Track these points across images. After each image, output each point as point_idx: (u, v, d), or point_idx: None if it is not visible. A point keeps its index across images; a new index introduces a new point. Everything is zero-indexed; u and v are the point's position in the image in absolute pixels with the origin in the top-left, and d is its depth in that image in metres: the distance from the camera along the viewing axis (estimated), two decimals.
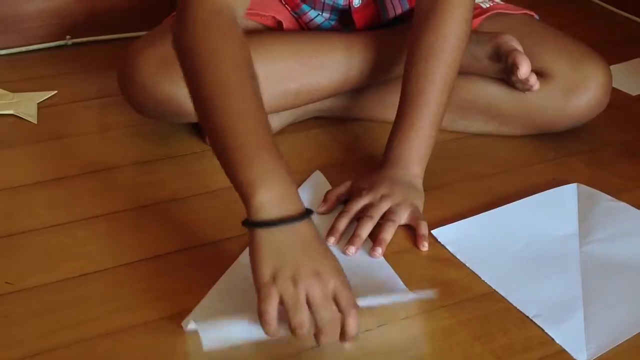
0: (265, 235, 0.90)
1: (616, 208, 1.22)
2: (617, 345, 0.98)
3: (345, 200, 1.20)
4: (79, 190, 1.25)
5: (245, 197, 0.92)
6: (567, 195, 1.24)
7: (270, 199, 0.91)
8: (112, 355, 0.95)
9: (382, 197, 1.15)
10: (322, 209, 1.19)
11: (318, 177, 1.29)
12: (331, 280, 0.90)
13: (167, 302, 1.02)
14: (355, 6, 1.38)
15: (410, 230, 1.16)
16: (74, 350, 0.95)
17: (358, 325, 0.90)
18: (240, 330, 0.94)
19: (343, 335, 0.91)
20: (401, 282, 1.07)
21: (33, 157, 1.35)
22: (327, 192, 1.21)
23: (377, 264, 1.10)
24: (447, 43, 1.23)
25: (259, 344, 0.95)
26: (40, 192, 1.24)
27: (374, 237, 1.13)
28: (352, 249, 1.11)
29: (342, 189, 1.21)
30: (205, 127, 0.99)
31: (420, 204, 1.17)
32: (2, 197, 1.23)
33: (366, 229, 1.12)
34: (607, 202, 1.23)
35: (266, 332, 0.90)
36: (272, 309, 0.89)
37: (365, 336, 0.98)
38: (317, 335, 0.90)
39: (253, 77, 0.99)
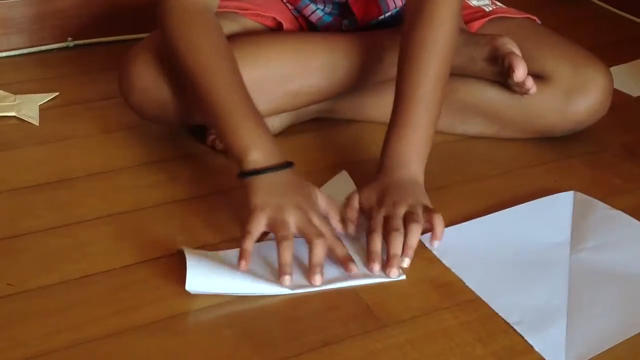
0: (255, 181, 1.09)
1: (611, 216, 1.21)
2: (597, 355, 0.97)
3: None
4: (80, 191, 1.25)
5: (239, 158, 1.11)
6: (562, 203, 1.23)
7: (258, 157, 1.10)
8: (114, 357, 0.95)
9: (395, 204, 1.12)
10: (352, 231, 1.14)
11: (343, 177, 1.28)
12: (310, 211, 1.07)
13: (170, 303, 1.02)
14: None
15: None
16: (76, 352, 0.95)
17: (343, 246, 1.08)
18: (228, 280, 1.03)
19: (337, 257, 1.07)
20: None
21: (35, 158, 1.35)
22: (345, 212, 1.15)
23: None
24: (439, 38, 1.21)
25: (262, 343, 0.96)
26: (42, 193, 1.24)
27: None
28: (395, 271, 1.07)
29: (356, 205, 1.16)
30: (199, 106, 1.17)
31: (428, 201, 1.15)
32: (4, 199, 1.23)
33: (399, 244, 1.09)
34: (602, 210, 1.22)
35: (243, 247, 1.04)
36: (255, 230, 1.06)
37: (366, 337, 0.98)
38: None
39: (231, 59, 1.18)
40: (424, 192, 1.17)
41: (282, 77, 1.32)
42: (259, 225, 1.06)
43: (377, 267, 1.08)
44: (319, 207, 1.11)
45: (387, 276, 1.07)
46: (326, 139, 1.42)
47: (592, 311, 1.03)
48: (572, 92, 1.34)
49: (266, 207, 1.07)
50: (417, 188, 1.16)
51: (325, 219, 1.10)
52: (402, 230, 1.09)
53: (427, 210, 1.13)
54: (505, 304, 1.04)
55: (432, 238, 1.12)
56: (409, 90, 1.20)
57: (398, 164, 1.18)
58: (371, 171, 1.24)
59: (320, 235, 1.06)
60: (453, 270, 1.09)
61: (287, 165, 1.12)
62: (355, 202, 1.16)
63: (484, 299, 1.04)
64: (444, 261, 1.10)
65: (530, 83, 1.30)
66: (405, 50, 1.23)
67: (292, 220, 1.06)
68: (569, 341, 0.98)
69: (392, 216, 1.11)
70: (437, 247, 1.12)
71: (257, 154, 1.11)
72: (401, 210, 1.11)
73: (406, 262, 1.09)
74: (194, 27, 1.19)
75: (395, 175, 1.17)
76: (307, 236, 1.05)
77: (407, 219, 1.10)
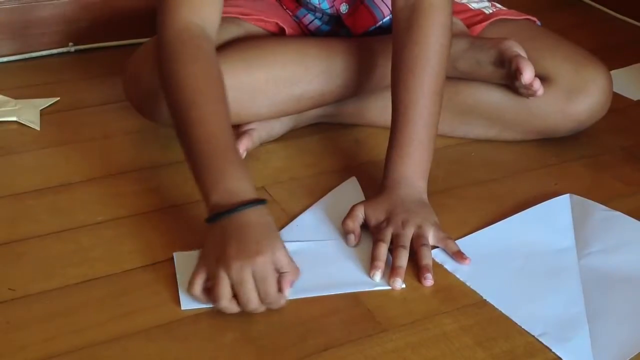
0: (213, 229, 1.02)
1: (611, 218, 1.21)
2: None
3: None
4: (81, 196, 1.25)
5: (205, 200, 1.05)
6: (561, 207, 1.23)
7: (219, 200, 1.02)
8: None
9: (404, 224, 1.12)
10: (353, 243, 1.14)
11: (352, 184, 1.28)
12: (252, 267, 0.97)
13: (170, 308, 1.02)
14: (343, 12, 1.39)
15: None
16: (76, 357, 0.95)
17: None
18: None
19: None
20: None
21: (35, 163, 1.35)
22: (347, 224, 1.15)
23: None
24: (432, 52, 1.20)
25: (263, 347, 0.96)
26: (43, 198, 1.24)
27: (415, 265, 1.10)
28: (399, 281, 1.07)
29: (360, 217, 1.16)
30: (178, 139, 1.11)
31: (436, 219, 1.15)
32: (5, 204, 1.23)
33: (404, 258, 1.09)
34: (601, 212, 1.22)
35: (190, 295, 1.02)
36: (195, 292, 1.01)
37: (367, 341, 0.98)
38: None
39: (218, 91, 1.10)
40: (432, 211, 1.16)
41: (286, 81, 1.33)
42: (196, 287, 1.01)
43: (379, 275, 1.08)
44: (277, 263, 1.00)
45: (391, 286, 1.07)
46: (330, 142, 1.42)
47: (611, 316, 1.03)
48: (572, 92, 1.34)
49: (205, 262, 1.01)
50: (424, 207, 1.16)
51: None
52: (408, 248, 1.10)
53: (438, 232, 1.14)
54: (527, 316, 1.03)
55: (457, 260, 1.12)
56: (407, 108, 1.19)
57: (402, 182, 1.17)
58: (375, 174, 1.24)
59: (255, 302, 0.99)
60: (468, 284, 1.08)
61: (243, 205, 1.02)
62: (360, 215, 1.16)
63: (505, 312, 1.03)
64: (457, 275, 1.10)
65: (537, 85, 1.30)
66: (400, 67, 1.22)
67: (229, 281, 0.98)
68: (595, 349, 0.98)
69: (400, 234, 1.11)
70: (448, 261, 1.12)
71: (216, 198, 1.03)
72: (409, 231, 1.12)
73: (429, 279, 1.08)
74: (184, 63, 1.11)
75: (401, 194, 1.16)
76: (241, 303, 0.99)
77: (416, 242, 1.11)
